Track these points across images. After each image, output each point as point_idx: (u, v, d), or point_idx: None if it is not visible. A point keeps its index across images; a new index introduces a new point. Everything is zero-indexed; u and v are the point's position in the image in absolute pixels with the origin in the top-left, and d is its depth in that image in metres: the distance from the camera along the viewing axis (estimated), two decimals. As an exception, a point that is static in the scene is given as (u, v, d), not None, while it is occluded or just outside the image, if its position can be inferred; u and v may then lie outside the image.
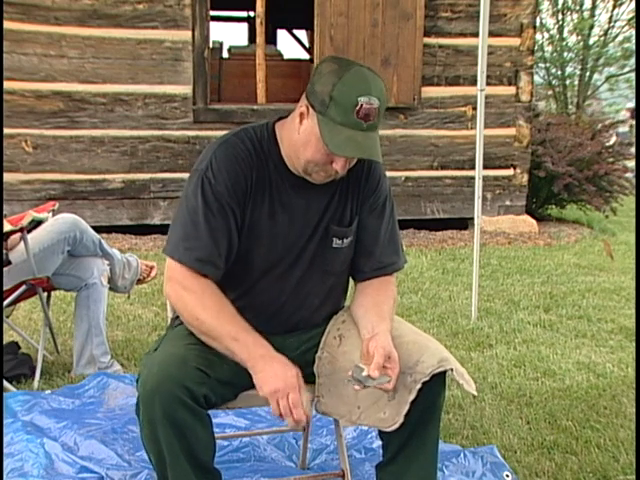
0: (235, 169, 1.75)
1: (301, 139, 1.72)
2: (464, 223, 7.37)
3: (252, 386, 1.81)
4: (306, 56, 10.84)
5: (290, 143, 1.77)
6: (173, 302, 1.79)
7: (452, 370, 1.71)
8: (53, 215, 3.18)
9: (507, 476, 2.28)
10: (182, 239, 1.75)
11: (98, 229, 3.59)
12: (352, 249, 1.90)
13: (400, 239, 1.98)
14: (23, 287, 2.99)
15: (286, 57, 8.69)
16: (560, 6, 15.63)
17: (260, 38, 6.86)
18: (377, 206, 1.90)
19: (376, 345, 1.68)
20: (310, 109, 1.69)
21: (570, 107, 15.50)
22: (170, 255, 1.76)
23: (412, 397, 1.68)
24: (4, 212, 2.98)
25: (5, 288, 2.92)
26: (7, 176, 6.28)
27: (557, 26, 15.93)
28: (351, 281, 1.99)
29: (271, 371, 1.64)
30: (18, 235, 3.02)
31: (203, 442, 1.68)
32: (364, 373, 1.65)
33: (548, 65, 16.01)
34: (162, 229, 6.36)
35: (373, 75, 1.67)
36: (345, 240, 1.86)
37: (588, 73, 15.84)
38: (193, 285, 1.73)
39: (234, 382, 1.76)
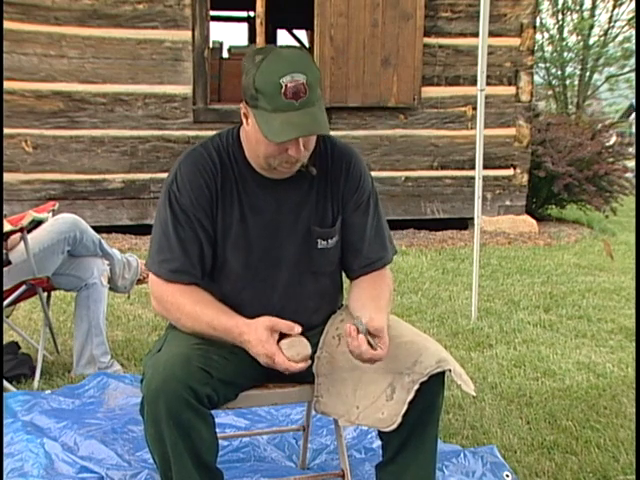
0: (198, 181, 1.77)
1: (252, 138, 1.74)
2: (464, 223, 7.37)
3: (252, 386, 1.82)
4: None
5: (248, 144, 1.79)
6: (159, 313, 1.86)
7: (450, 370, 1.70)
8: (53, 215, 3.18)
9: (507, 476, 2.28)
10: (157, 252, 1.80)
11: (98, 229, 3.59)
12: (339, 248, 1.90)
13: (387, 232, 1.97)
14: (23, 287, 2.99)
15: (286, 57, 8.68)
16: (560, 6, 15.64)
17: (260, 38, 6.86)
18: (361, 203, 1.89)
19: (374, 326, 1.68)
20: (247, 107, 1.70)
21: (570, 107, 15.51)
22: (148, 269, 1.83)
23: (410, 397, 1.68)
24: (4, 212, 2.98)
25: (5, 288, 2.92)
26: (7, 176, 6.29)
27: (557, 26, 15.94)
28: (346, 280, 1.99)
29: (253, 349, 1.69)
30: (18, 235, 3.02)
31: (207, 442, 1.68)
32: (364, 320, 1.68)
33: (548, 65, 16.01)
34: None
35: (293, 52, 1.67)
36: (330, 240, 1.86)
37: (588, 73, 15.85)
38: (171, 293, 1.78)
39: (236, 382, 1.77)
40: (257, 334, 1.68)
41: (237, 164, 1.81)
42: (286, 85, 1.61)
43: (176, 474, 1.68)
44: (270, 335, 1.68)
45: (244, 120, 1.74)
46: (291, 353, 1.67)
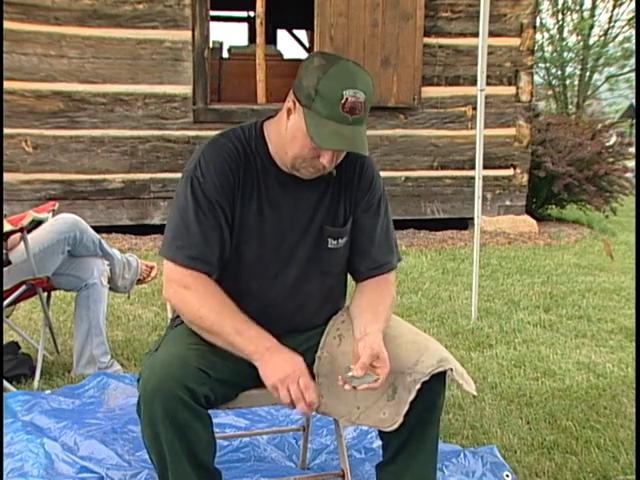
0: (223, 167, 1.77)
1: (288, 134, 1.73)
2: (464, 223, 7.37)
3: (252, 386, 1.81)
4: (306, 56, 10.83)
5: (278, 139, 1.78)
6: (174, 303, 1.80)
7: (451, 370, 1.70)
8: (53, 215, 3.18)
9: (507, 476, 2.28)
10: (174, 238, 1.77)
11: (98, 229, 3.59)
12: (347, 249, 1.91)
13: (395, 238, 1.98)
14: (23, 287, 2.99)
15: (286, 57, 8.69)
16: (560, 6, 15.67)
17: (260, 38, 6.86)
18: (372, 205, 1.90)
19: (364, 345, 1.68)
20: (297, 104, 1.70)
21: (570, 107, 15.53)
22: (163, 255, 1.79)
23: (411, 397, 1.68)
24: (4, 212, 2.98)
25: (5, 288, 2.92)
26: (7, 176, 6.29)
27: (557, 26, 15.96)
28: (351, 281, 2.00)
29: (279, 360, 1.66)
30: (18, 235, 3.02)
31: (204, 442, 1.68)
32: (350, 373, 1.65)
33: (548, 65, 16.04)
34: (162, 229, 6.30)
35: (359, 69, 1.68)
36: (340, 240, 1.87)
37: (588, 73, 15.87)
38: (192, 283, 1.74)
39: (234, 382, 1.76)
40: (295, 354, 1.68)
41: (260, 158, 1.81)
42: (347, 98, 1.63)
43: (173, 474, 1.67)
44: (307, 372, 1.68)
45: (285, 114, 1.73)
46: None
